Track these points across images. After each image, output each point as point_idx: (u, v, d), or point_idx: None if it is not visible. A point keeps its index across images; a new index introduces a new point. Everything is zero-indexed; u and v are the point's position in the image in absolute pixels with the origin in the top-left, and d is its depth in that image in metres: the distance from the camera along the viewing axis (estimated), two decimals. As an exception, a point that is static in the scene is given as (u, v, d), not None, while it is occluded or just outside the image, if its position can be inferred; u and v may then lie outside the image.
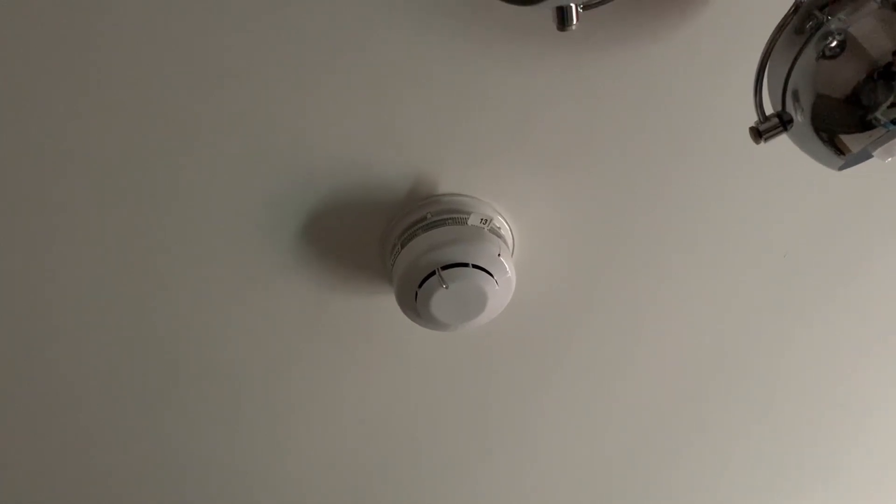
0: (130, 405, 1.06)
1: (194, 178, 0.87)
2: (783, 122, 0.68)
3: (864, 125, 0.63)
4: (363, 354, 1.03)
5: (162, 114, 0.82)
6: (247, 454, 1.14)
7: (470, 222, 0.88)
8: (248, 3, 0.76)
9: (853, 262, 1.00)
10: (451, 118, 0.85)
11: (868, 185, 0.93)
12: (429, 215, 0.89)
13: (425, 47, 0.80)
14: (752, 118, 0.70)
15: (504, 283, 0.88)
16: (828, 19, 0.64)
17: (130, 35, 0.77)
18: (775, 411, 1.16)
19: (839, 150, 0.66)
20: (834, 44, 0.63)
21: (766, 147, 0.71)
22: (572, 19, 0.56)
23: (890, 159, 0.65)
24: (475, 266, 0.86)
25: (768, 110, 0.69)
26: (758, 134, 0.68)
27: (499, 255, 0.87)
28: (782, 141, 0.70)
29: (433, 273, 0.86)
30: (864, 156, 0.66)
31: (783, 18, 0.66)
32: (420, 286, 0.87)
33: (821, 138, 0.66)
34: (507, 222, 0.92)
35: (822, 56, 0.64)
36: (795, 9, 0.66)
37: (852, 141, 0.65)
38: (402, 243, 0.89)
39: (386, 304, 0.97)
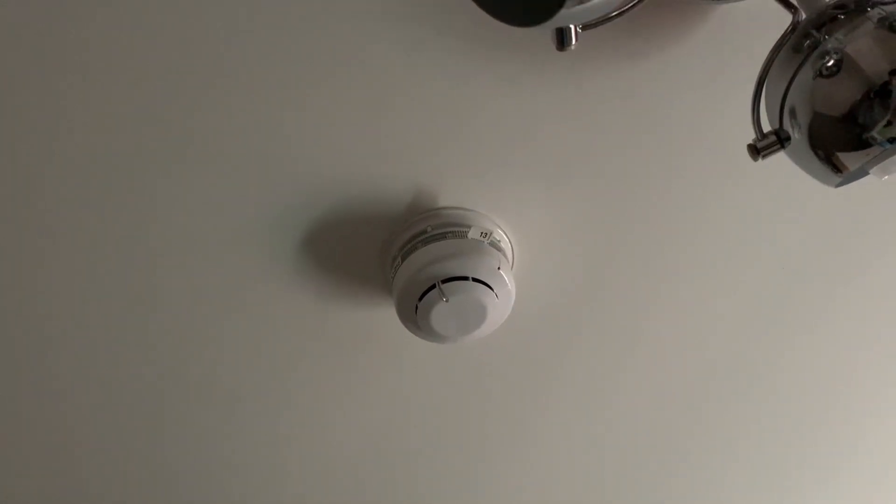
0: (130, 412, 1.07)
1: (196, 190, 0.87)
2: (780, 140, 0.68)
3: (861, 144, 0.63)
4: (363, 366, 1.04)
5: (164, 126, 0.83)
6: (245, 463, 1.14)
7: (470, 235, 0.89)
8: (251, 17, 0.77)
9: (851, 271, 1.01)
10: (451, 133, 0.85)
11: (865, 196, 0.93)
12: (429, 228, 0.90)
13: (426, 64, 0.80)
14: (750, 135, 0.70)
15: (504, 296, 0.89)
16: (825, 38, 0.64)
17: (134, 42, 0.78)
18: (774, 420, 1.17)
19: (836, 167, 0.66)
20: (831, 63, 0.63)
21: (763, 163, 0.71)
22: (571, 40, 0.57)
23: (887, 177, 0.65)
24: (475, 279, 0.87)
25: (766, 128, 0.70)
26: (755, 151, 0.69)
27: (498, 268, 0.88)
28: (780, 158, 0.71)
29: (433, 286, 0.87)
30: (861, 173, 0.66)
31: (781, 37, 0.67)
32: (420, 299, 0.87)
33: (818, 156, 0.66)
34: (506, 235, 0.93)
35: (820, 75, 0.64)
36: (793, 28, 0.66)
37: (849, 159, 0.65)
38: (402, 256, 0.90)
39: (386, 316, 0.98)
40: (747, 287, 1.01)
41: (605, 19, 0.60)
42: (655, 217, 0.93)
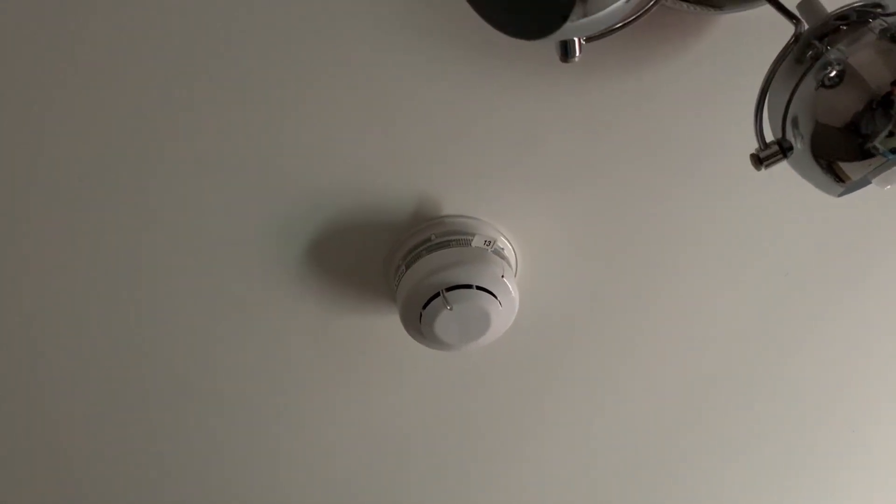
0: (131, 416, 1.07)
1: (200, 197, 0.88)
2: (783, 150, 0.68)
3: (863, 154, 0.64)
4: (367, 373, 1.04)
5: (167, 132, 0.83)
6: (247, 468, 1.15)
7: (474, 244, 0.89)
8: (258, 24, 0.77)
9: (853, 278, 1.01)
10: (455, 141, 0.86)
11: (868, 205, 0.93)
12: (433, 237, 0.90)
13: (431, 73, 0.81)
14: (753, 145, 0.71)
15: (507, 304, 0.89)
16: (827, 49, 0.65)
17: (139, 47, 0.78)
18: (776, 427, 1.17)
19: (838, 177, 0.66)
20: (833, 73, 0.64)
21: (766, 173, 0.71)
22: (575, 52, 0.57)
23: (889, 187, 0.66)
24: (479, 287, 0.87)
25: (769, 137, 0.70)
26: (758, 161, 0.69)
27: (502, 276, 0.88)
28: (782, 167, 0.71)
29: (437, 294, 0.87)
30: (863, 183, 0.67)
31: (783, 48, 0.67)
32: (424, 307, 0.88)
33: (820, 166, 0.67)
34: (510, 243, 0.93)
35: (822, 85, 0.64)
36: (795, 39, 0.67)
37: (851, 169, 0.65)
38: (406, 264, 0.90)
39: (390, 324, 0.98)
40: (750, 294, 1.01)
41: (609, 31, 0.61)
42: (658, 226, 0.94)
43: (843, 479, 1.25)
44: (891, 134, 0.62)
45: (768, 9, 0.69)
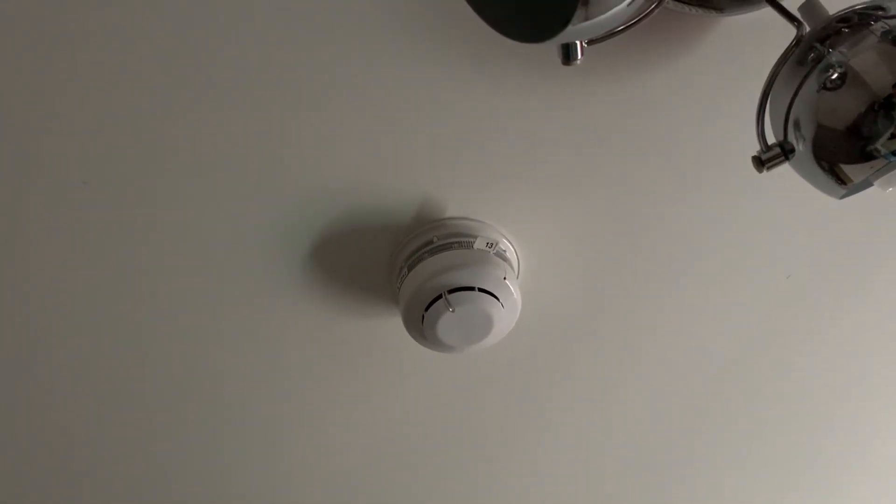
0: (133, 419, 1.07)
1: (202, 200, 0.88)
2: (785, 152, 0.68)
3: (865, 156, 0.64)
4: (369, 376, 1.04)
5: (169, 135, 0.83)
6: (250, 473, 1.15)
7: (476, 246, 0.89)
8: (261, 27, 0.77)
9: (858, 281, 1.01)
10: (457, 144, 0.86)
11: (872, 208, 0.93)
12: (435, 239, 0.90)
13: (433, 75, 0.81)
14: (755, 146, 0.71)
15: (510, 307, 0.89)
16: (829, 52, 0.65)
17: (142, 49, 0.78)
18: (780, 433, 1.17)
19: (840, 179, 0.66)
20: (835, 76, 0.64)
21: (768, 175, 0.71)
22: (577, 55, 0.57)
23: (891, 189, 0.66)
24: (481, 290, 0.87)
25: (770, 139, 0.70)
26: (760, 163, 0.69)
27: (504, 278, 0.88)
28: (784, 169, 0.71)
29: (440, 296, 0.87)
30: (865, 185, 0.67)
31: (785, 50, 0.67)
32: (426, 309, 0.88)
33: (822, 168, 0.67)
34: (512, 245, 0.93)
35: (824, 88, 0.64)
36: (797, 41, 0.67)
37: (853, 171, 0.65)
38: (408, 266, 0.90)
39: (392, 326, 0.98)
40: (753, 298, 1.01)
41: (611, 34, 0.61)
42: (661, 228, 0.94)
43: (845, 482, 1.25)
44: (893, 136, 0.62)
45: (770, 11, 0.69)
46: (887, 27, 0.64)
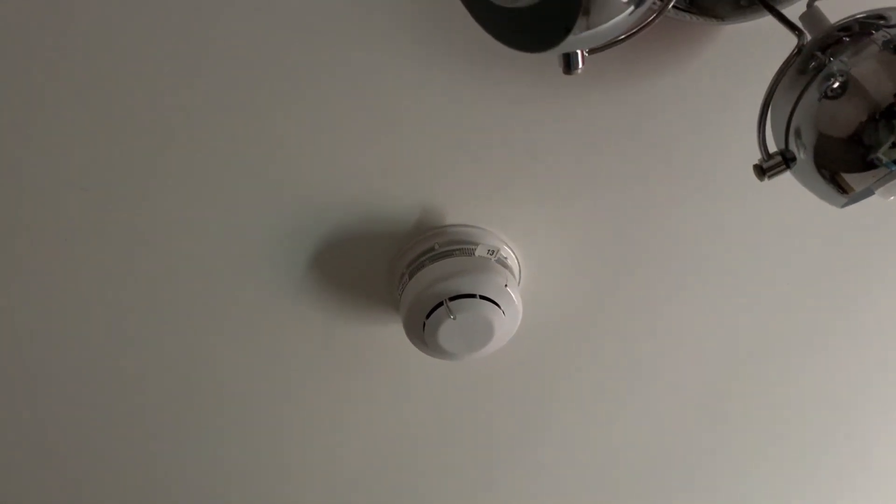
0: (136, 422, 1.07)
1: (203, 207, 0.88)
2: (786, 160, 0.68)
3: (866, 165, 0.64)
4: (370, 383, 1.04)
5: (170, 142, 0.83)
6: (251, 479, 1.15)
7: (477, 253, 0.89)
8: (262, 33, 0.78)
9: (858, 290, 1.01)
10: (459, 152, 0.86)
11: (872, 216, 0.93)
12: (436, 246, 0.90)
13: (435, 84, 0.81)
14: (756, 155, 0.71)
15: (511, 314, 0.89)
16: (830, 61, 0.65)
17: (143, 53, 0.78)
18: (780, 438, 1.17)
19: (841, 188, 0.66)
20: (836, 85, 0.64)
21: (769, 183, 0.72)
22: (578, 64, 0.57)
23: (892, 198, 0.66)
24: (482, 297, 0.87)
25: (772, 148, 0.70)
26: (761, 171, 0.69)
27: (506, 285, 0.88)
28: (786, 177, 0.71)
29: (441, 304, 0.87)
30: (867, 194, 0.67)
31: (786, 59, 0.67)
32: (428, 316, 0.88)
33: (823, 177, 0.67)
34: (513, 253, 0.93)
35: (825, 96, 0.65)
36: (798, 50, 0.67)
37: (854, 180, 0.65)
38: (409, 273, 0.90)
39: (393, 333, 0.98)
40: (754, 305, 1.01)
41: (612, 43, 0.61)
42: (661, 235, 0.94)
43: (846, 485, 1.25)
44: (894, 145, 0.62)
45: (771, 20, 0.70)
46: (888, 36, 0.64)
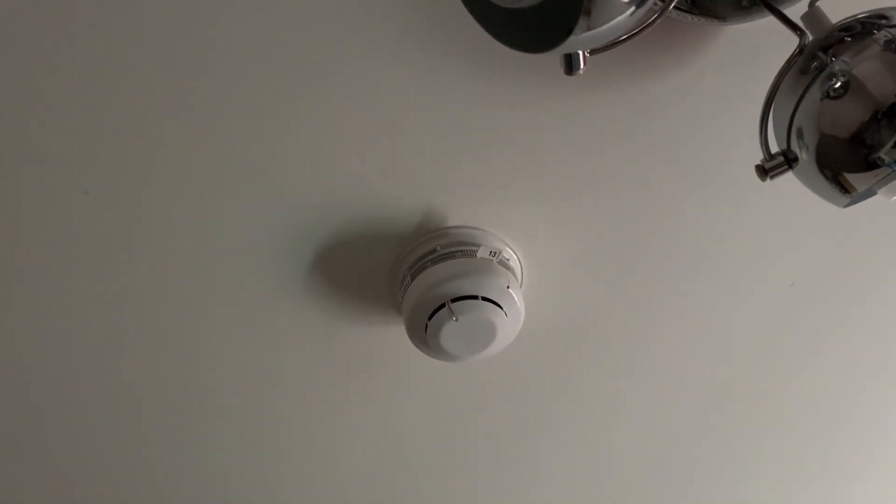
0: (136, 424, 1.07)
1: (205, 210, 0.88)
2: (788, 161, 0.68)
3: (869, 165, 0.64)
4: (372, 384, 1.04)
5: (174, 143, 0.83)
6: (251, 480, 1.15)
7: (479, 255, 0.89)
8: (264, 35, 0.78)
9: (861, 290, 1.01)
10: (461, 153, 0.86)
11: (874, 216, 0.93)
12: (438, 247, 0.90)
13: (437, 85, 0.81)
14: (758, 155, 0.71)
15: (513, 315, 0.89)
16: (832, 61, 0.65)
17: (144, 56, 0.78)
18: (782, 441, 1.16)
19: (844, 188, 0.66)
20: (838, 85, 0.64)
21: (772, 184, 0.71)
22: (580, 65, 0.57)
23: (894, 198, 0.66)
24: (485, 298, 0.87)
25: (774, 148, 0.70)
26: (763, 172, 0.69)
27: (508, 287, 0.88)
28: (787, 178, 0.71)
29: (443, 305, 0.87)
30: (869, 194, 0.67)
31: (788, 59, 0.67)
32: (430, 318, 0.88)
33: (825, 177, 0.67)
34: (515, 254, 0.93)
35: (827, 96, 0.64)
36: (800, 50, 0.67)
37: (857, 180, 0.65)
38: (412, 275, 0.90)
39: (396, 335, 0.98)
40: (757, 305, 1.01)
41: (613, 44, 0.61)
42: (663, 236, 0.94)
43: (847, 487, 1.25)
44: (896, 145, 0.62)
45: (772, 20, 0.69)
46: (890, 36, 0.64)
